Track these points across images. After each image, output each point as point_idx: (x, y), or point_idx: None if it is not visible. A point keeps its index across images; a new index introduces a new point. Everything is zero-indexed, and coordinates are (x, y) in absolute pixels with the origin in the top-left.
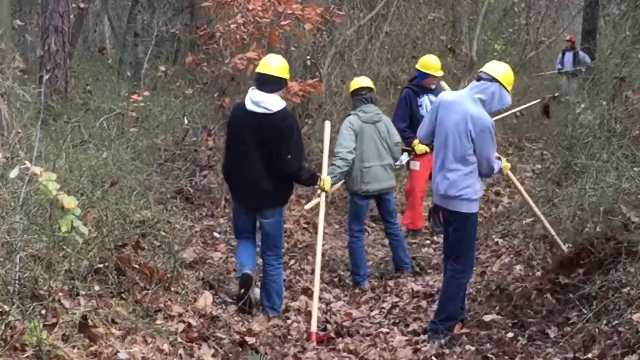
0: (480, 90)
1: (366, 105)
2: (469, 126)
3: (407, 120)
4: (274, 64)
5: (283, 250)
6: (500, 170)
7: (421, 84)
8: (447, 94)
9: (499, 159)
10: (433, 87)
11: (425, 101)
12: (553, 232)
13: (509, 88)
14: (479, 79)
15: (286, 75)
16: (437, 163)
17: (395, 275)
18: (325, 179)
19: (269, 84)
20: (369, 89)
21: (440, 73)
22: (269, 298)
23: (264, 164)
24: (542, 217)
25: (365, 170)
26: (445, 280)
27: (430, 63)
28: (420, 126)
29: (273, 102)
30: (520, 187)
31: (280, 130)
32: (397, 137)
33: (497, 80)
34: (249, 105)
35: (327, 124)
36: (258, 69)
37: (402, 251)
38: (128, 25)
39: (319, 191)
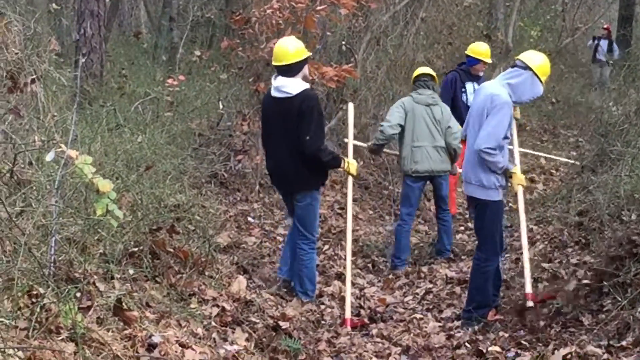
0: (512, 76)
1: (422, 89)
2: (487, 104)
3: (449, 103)
4: (283, 54)
5: (317, 236)
6: (506, 174)
7: (469, 70)
8: (484, 83)
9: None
10: (481, 74)
11: (469, 88)
12: (528, 273)
13: (543, 79)
14: (514, 66)
15: (299, 56)
16: (465, 150)
17: (429, 261)
18: (351, 162)
19: (287, 71)
20: (431, 76)
21: (489, 60)
22: (301, 283)
23: (290, 147)
24: (526, 254)
25: (416, 149)
26: (472, 269)
27: (481, 49)
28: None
29: (293, 86)
30: (522, 209)
31: (300, 111)
32: (454, 125)
33: (530, 69)
34: (273, 92)
35: (351, 105)
36: (273, 62)
37: (447, 237)
38: (163, 10)
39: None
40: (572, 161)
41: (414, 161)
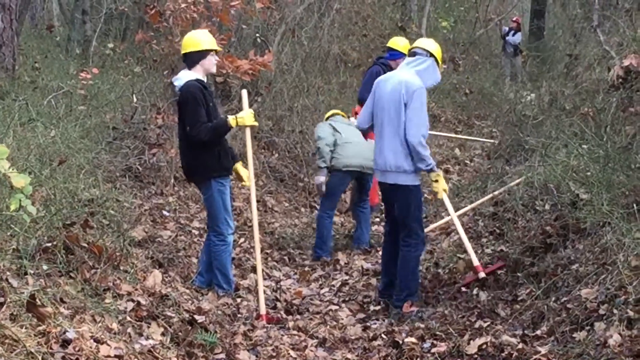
0: (418, 63)
1: None
2: (402, 91)
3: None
4: (183, 45)
5: (232, 230)
6: (431, 172)
7: (389, 64)
8: (383, 75)
9: (439, 177)
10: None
11: None
12: (470, 249)
13: (441, 64)
14: (413, 54)
15: (194, 47)
16: (377, 139)
17: (345, 252)
18: (241, 115)
19: (189, 61)
20: None
21: None
22: (214, 276)
23: (181, 136)
24: (463, 234)
25: (348, 145)
26: (402, 258)
27: (405, 44)
28: (360, 114)
29: (180, 79)
30: (452, 212)
31: (180, 103)
32: None
33: (432, 55)
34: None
35: (244, 92)
36: (182, 51)
37: (366, 227)
38: (76, 3)
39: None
40: (492, 140)
41: (347, 156)
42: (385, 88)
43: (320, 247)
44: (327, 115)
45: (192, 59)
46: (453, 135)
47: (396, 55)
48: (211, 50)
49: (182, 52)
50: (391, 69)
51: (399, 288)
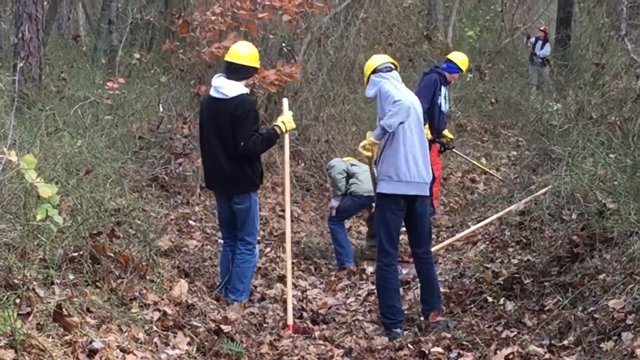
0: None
1: None
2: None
3: (427, 102)
4: (243, 53)
5: (259, 238)
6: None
7: (445, 75)
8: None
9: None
10: (452, 83)
11: (444, 93)
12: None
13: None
14: (391, 69)
15: (256, 64)
16: (409, 149)
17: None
18: (280, 120)
19: (237, 72)
20: None
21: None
22: (232, 281)
23: (222, 148)
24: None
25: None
26: (432, 270)
27: (465, 60)
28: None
29: (230, 88)
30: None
31: (234, 115)
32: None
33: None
34: (211, 91)
35: (285, 100)
36: (227, 57)
37: None
38: (102, 13)
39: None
40: (498, 176)
41: (368, 182)
42: (411, 100)
43: (341, 255)
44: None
45: (246, 72)
46: (464, 156)
47: (453, 68)
48: (257, 71)
49: (239, 62)
50: (446, 80)
51: (430, 306)
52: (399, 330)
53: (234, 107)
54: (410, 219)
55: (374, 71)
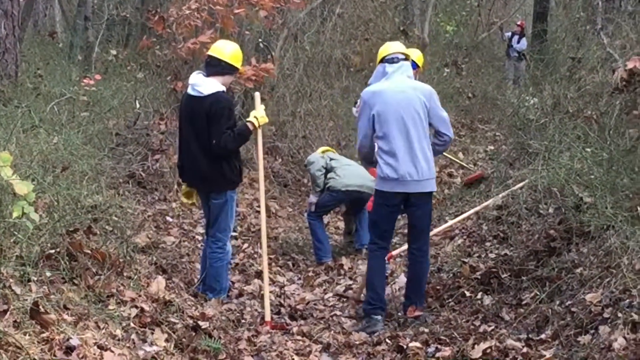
0: (406, 69)
1: None
2: (419, 96)
3: None
4: (226, 50)
5: (235, 234)
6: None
7: None
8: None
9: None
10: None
11: None
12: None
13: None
14: (396, 60)
15: (237, 63)
16: (403, 150)
17: (350, 257)
18: (252, 116)
19: (215, 67)
20: None
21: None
22: (207, 280)
23: (200, 147)
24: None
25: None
26: (422, 263)
27: (421, 57)
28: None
29: (206, 86)
30: None
31: (209, 113)
32: None
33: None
34: (188, 89)
35: (257, 95)
36: (210, 52)
37: (365, 230)
38: (78, 9)
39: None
40: (471, 167)
41: (346, 177)
42: (389, 99)
43: (320, 250)
44: (320, 151)
45: (224, 69)
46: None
47: (412, 66)
48: (238, 71)
49: (221, 57)
50: None
51: (420, 294)
52: (379, 317)
53: (209, 105)
54: (408, 214)
55: (382, 60)
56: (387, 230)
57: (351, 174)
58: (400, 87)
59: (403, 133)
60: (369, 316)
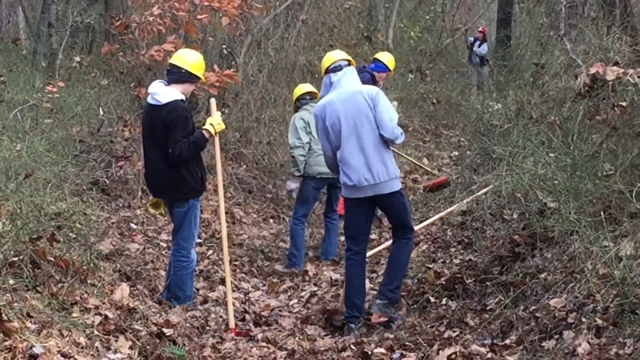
0: (351, 73)
1: (312, 100)
2: (365, 99)
3: None
4: (188, 59)
5: (200, 241)
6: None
7: (373, 74)
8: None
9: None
10: (381, 84)
11: None
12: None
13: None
14: (339, 68)
15: (198, 72)
16: (355, 156)
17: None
18: (208, 122)
19: (175, 75)
20: (313, 94)
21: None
22: (172, 287)
23: (161, 155)
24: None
25: (320, 152)
26: (397, 249)
27: (393, 60)
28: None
29: (164, 94)
30: None
31: (165, 122)
32: None
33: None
34: (148, 98)
35: (213, 100)
36: (172, 60)
37: (335, 238)
38: (42, 16)
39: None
40: (436, 172)
41: (320, 164)
42: (338, 108)
43: (295, 257)
44: (297, 94)
45: (183, 77)
46: (406, 157)
47: (381, 67)
48: (200, 81)
49: (181, 66)
50: (374, 81)
51: (390, 279)
52: (352, 326)
53: (166, 114)
54: (384, 212)
55: (327, 71)
56: (361, 233)
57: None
58: (346, 94)
59: (355, 139)
60: (347, 323)
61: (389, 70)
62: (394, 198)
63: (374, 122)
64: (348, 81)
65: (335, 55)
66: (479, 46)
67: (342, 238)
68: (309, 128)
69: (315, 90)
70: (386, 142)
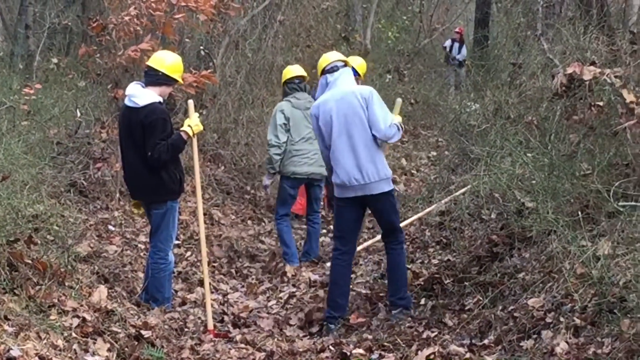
0: (347, 74)
1: (298, 93)
2: (358, 99)
3: None
4: (166, 61)
5: (178, 242)
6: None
7: None
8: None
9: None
10: None
11: None
12: None
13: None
14: (335, 69)
15: (176, 75)
16: (347, 156)
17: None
18: (186, 123)
19: (152, 77)
20: (302, 78)
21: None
22: (150, 289)
23: (139, 158)
24: None
25: (296, 152)
26: (396, 257)
27: (364, 65)
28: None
29: (142, 97)
30: None
31: (143, 125)
32: None
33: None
34: (125, 100)
35: (191, 102)
36: (149, 62)
37: (316, 240)
38: (19, 17)
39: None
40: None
41: (294, 164)
42: (331, 107)
43: (287, 254)
44: (286, 77)
45: (160, 79)
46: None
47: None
48: (177, 83)
49: (158, 68)
50: None
51: (396, 288)
52: (332, 327)
53: (144, 116)
54: (372, 213)
55: (323, 72)
56: (349, 232)
57: (299, 162)
58: (340, 94)
59: (346, 138)
60: (327, 324)
61: (358, 74)
62: (385, 199)
63: (367, 122)
64: (343, 82)
65: (331, 57)
66: (459, 50)
67: (322, 239)
68: (288, 125)
69: (305, 74)
70: (378, 143)
